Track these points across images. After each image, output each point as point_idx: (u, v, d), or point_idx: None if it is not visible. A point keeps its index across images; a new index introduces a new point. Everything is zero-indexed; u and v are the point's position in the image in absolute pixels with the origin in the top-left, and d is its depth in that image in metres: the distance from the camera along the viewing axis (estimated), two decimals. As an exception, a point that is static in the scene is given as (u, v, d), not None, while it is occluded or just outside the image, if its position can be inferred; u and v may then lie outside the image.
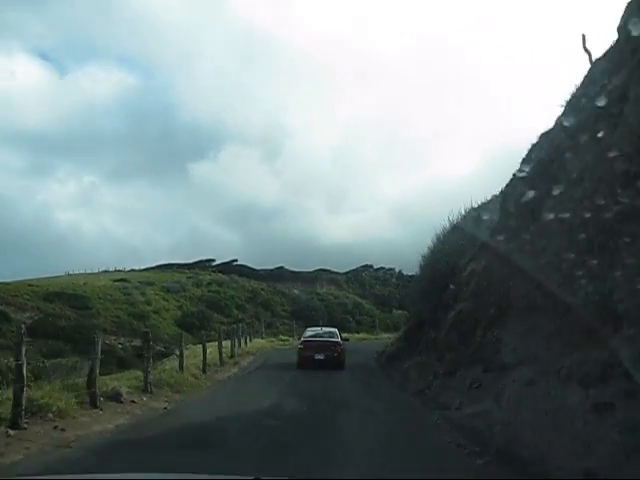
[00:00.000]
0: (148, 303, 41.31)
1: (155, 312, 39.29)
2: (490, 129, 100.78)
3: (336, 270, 62.72)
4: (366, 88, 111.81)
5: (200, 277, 53.28)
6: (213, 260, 60.52)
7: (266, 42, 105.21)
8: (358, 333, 41.57)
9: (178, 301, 45.13)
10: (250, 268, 59.10)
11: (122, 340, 35.08)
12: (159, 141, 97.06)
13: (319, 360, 23.70)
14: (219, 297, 48.31)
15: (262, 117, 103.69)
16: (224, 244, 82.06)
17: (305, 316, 45.76)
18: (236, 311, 47.68)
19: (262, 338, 35.27)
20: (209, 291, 49.62)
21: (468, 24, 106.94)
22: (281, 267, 60.50)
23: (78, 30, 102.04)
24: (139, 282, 46.93)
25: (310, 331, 27.40)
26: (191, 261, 59.28)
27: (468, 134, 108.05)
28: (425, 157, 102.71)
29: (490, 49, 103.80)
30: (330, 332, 26.91)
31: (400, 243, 78.92)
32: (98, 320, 36.13)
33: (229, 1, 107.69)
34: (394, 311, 56.41)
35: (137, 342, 29.39)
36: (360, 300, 57.31)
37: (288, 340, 35.66)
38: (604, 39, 10.29)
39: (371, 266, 66.21)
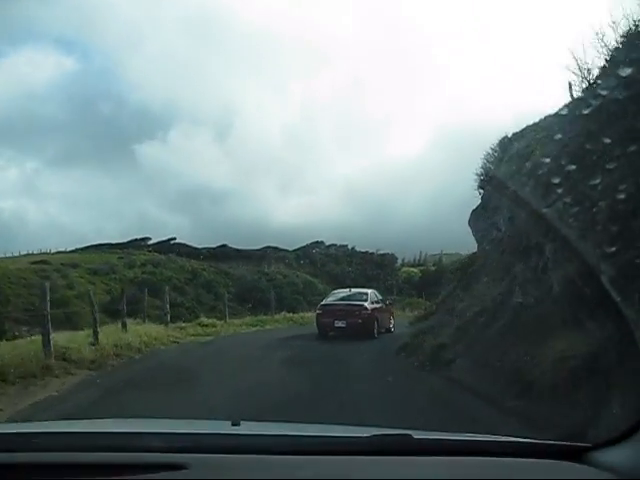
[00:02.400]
0: (70, 287, 35.83)
1: (77, 297, 33.84)
2: (442, 112, 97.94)
3: (285, 247, 57.74)
4: (321, 68, 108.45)
5: (134, 257, 47.92)
6: (149, 239, 55.12)
7: (218, 19, 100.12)
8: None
9: (107, 284, 39.79)
10: (190, 247, 54.02)
11: (37, 330, 29.86)
12: (104, 124, 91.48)
13: (340, 328, 21.21)
14: (155, 279, 43.04)
15: (214, 96, 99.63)
16: (170, 226, 77.30)
17: (252, 297, 41.49)
18: (174, 294, 42.48)
19: (165, 325, 24.03)
20: (143, 272, 44.38)
21: (430, 8, 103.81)
22: (224, 245, 55.43)
23: (11, 11, 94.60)
24: (62, 264, 41.39)
25: (334, 294, 24.27)
26: (124, 240, 53.67)
27: (421, 117, 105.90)
28: (378, 138, 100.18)
29: (449, 34, 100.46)
30: (360, 294, 23.48)
31: (352, 221, 75.93)
32: (7, 308, 30.74)
33: None
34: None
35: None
36: (312, 279, 52.57)
37: (215, 328, 26.08)
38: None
39: (322, 242, 61.92)
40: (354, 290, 24.37)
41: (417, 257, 67.55)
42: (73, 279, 38.10)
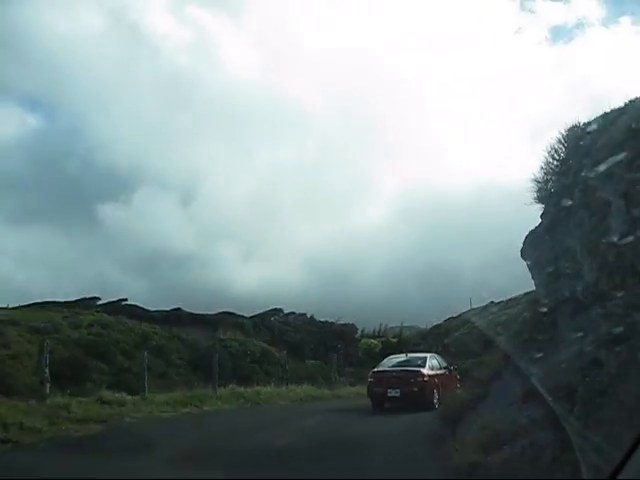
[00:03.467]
0: (5, 346, 32.83)
1: (13, 357, 30.88)
2: (405, 184, 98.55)
3: (242, 314, 55.41)
4: (288, 136, 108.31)
5: (80, 317, 44.90)
6: (98, 298, 52.11)
7: (188, 85, 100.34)
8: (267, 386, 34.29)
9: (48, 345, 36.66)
10: (142, 308, 51.18)
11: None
12: (67, 183, 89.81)
13: (393, 398, 19.67)
14: (102, 341, 40.21)
15: (180, 160, 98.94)
16: (126, 288, 74.48)
17: (205, 365, 38.65)
18: (122, 358, 39.67)
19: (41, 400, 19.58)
20: (89, 334, 41.42)
21: (390, 79, 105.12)
22: (179, 309, 52.79)
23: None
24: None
25: (389, 360, 22.44)
26: (72, 299, 50.56)
27: (383, 188, 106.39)
28: (341, 208, 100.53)
29: (415, 107, 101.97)
30: (417, 358, 21.68)
31: (312, 290, 74.79)
32: None
33: (149, 42, 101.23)
34: (307, 361, 50.80)
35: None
36: (269, 347, 50.26)
37: (122, 407, 20.68)
38: None
39: (281, 310, 59.88)
40: (411, 355, 22.54)
41: (377, 328, 66.52)
42: (10, 337, 35.04)
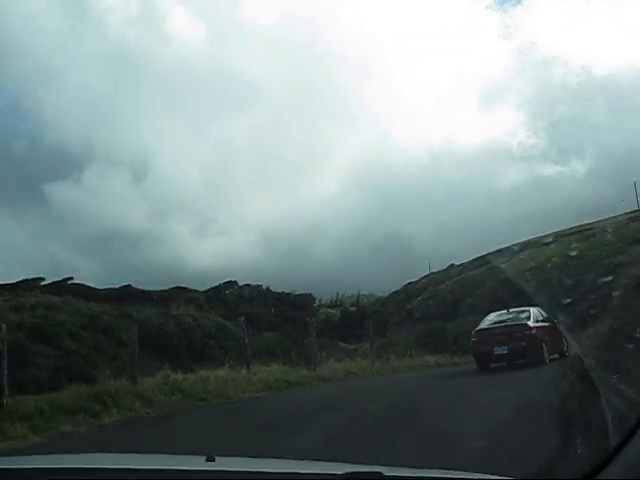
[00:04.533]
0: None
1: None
2: (359, 155, 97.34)
3: (195, 288, 53.37)
4: (240, 109, 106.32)
5: (22, 299, 42.31)
6: (42, 279, 49.43)
7: (136, 58, 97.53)
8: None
9: (-12, 330, 34.23)
10: (89, 287, 48.71)
11: None
12: (12, 164, 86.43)
13: (501, 356, 18.57)
14: (46, 324, 37.74)
15: (131, 137, 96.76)
16: (78, 269, 71.75)
17: (158, 344, 36.57)
18: (69, 341, 37.31)
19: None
20: (33, 316, 38.88)
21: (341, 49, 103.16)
22: (129, 286, 50.45)
23: None
24: None
25: (489, 317, 21.19)
26: (13, 281, 47.82)
27: (337, 159, 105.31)
28: (295, 180, 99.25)
29: (369, 77, 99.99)
30: (520, 312, 20.45)
31: (268, 262, 73.94)
32: None
33: (94, 15, 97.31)
34: (265, 334, 48.54)
35: None
36: (225, 322, 48.27)
37: None
38: None
39: (235, 282, 57.84)
40: (513, 310, 21.19)
41: (334, 298, 65.59)
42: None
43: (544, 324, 19.89)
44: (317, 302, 62.29)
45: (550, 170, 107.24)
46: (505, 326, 19.60)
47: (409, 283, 60.84)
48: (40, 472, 2.42)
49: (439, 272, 60.32)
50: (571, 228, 53.59)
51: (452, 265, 60.01)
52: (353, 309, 59.86)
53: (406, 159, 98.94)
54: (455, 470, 2.58)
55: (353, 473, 2.26)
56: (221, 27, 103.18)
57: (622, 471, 2.11)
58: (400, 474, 2.40)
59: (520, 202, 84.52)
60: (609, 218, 51.92)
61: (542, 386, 12.14)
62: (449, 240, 76.69)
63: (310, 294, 59.53)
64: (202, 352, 35.37)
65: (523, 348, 18.54)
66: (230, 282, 58.21)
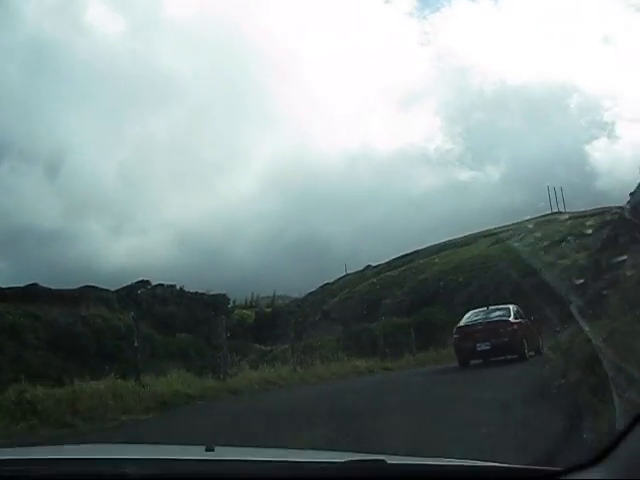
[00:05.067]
0: None
1: None
2: (276, 157, 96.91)
3: (106, 287, 51.53)
4: (161, 107, 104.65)
5: None
6: (-62, 278, 46.71)
7: (55, 52, 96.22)
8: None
9: None
10: (-10, 286, 46.23)
11: None
12: None
13: (484, 351, 18.78)
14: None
15: (45, 133, 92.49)
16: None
17: (66, 346, 35.66)
18: (-33, 342, 35.44)
19: None
20: None
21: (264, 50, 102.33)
22: (34, 284, 48.18)
23: None
24: None
25: (470, 315, 21.25)
26: None
27: (255, 161, 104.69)
28: (213, 180, 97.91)
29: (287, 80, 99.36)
30: (500, 309, 20.81)
31: (182, 263, 72.40)
32: None
33: (9, 5, 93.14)
34: (177, 334, 48.12)
35: None
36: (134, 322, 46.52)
37: None
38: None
39: (148, 282, 56.19)
40: (492, 307, 21.36)
41: (249, 299, 64.76)
42: None
43: (523, 321, 20.29)
44: (232, 303, 61.15)
45: (466, 175, 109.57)
46: (487, 322, 19.73)
47: (326, 284, 60.51)
48: (38, 463, 2.41)
49: (356, 273, 60.19)
50: (488, 230, 54.21)
51: (369, 266, 59.96)
52: (268, 310, 59.29)
53: (325, 162, 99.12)
54: (459, 459, 2.54)
55: (356, 461, 2.25)
56: (141, 22, 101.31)
57: (627, 456, 2.13)
58: (402, 462, 2.41)
59: (437, 205, 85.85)
60: (523, 221, 52.97)
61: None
62: (366, 242, 77.05)
63: (224, 294, 58.36)
64: (113, 355, 33.80)
65: (505, 344, 18.77)
66: (143, 281, 56.45)
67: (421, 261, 52.10)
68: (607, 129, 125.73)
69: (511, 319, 19.86)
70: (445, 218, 74.83)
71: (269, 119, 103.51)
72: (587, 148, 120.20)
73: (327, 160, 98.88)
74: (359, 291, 51.82)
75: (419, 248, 56.70)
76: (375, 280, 52.89)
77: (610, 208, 48.40)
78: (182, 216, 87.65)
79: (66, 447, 3.88)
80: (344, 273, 62.13)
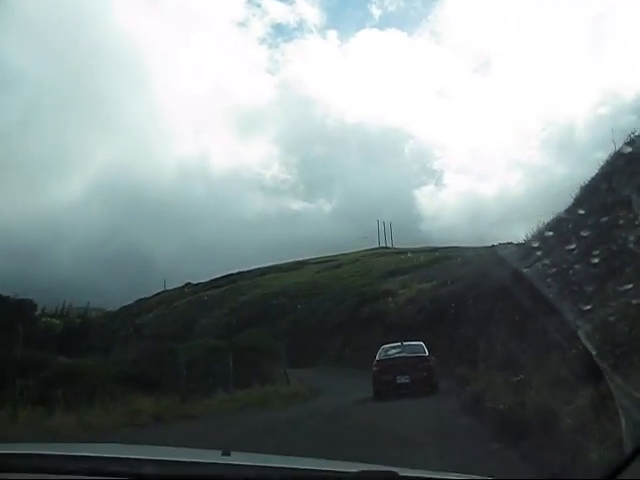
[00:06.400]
0: None
1: None
2: (103, 167, 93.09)
3: None
4: None
5: None
6: None
7: None
8: None
9: None
10: None
11: None
12: None
13: (403, 384, 19.94)
14: None
15: None
16: None
17: None
18: None
19: None
20: None
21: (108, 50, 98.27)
22: None
23: None
24: None
25: (386, 348, 22.33)
26: None
27: (86, 163, 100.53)
28: (39, 182, 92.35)
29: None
30: (414, 346, 21.97)
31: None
32: None
33: None
34: None
35: None
36: None
37: None
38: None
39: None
40: (406, 343, 22.36)
41: (60, 308, 60.51)
42: None
43: (432, 358, 21.77)
44: (40, 310, 56.68)
45: (298, 205, 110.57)
46: (407, 357, 20.94)
47: (142, 299, 57.46)
48: (57, 459, 2.41)
49: (174, 290, 57.53)
50: (316, 258, 53.64)
51: (189, 284, 57.62)
52: (78, 320, 55.44)
53: (159, 175, 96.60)
54: (472, 474, 2.57)
55: (369, 472, 2.29)
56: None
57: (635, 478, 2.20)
58: (414, 475, 2.42)
59: (267, 231, 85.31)
60: (353, 252, 53.05)
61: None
62: (191, 260, 74.86)
63: (31, 300, 53.91)
64: None
65: (424, 378, 20.09)
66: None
67: (244, 282, 50.27)
68: (435, 177, 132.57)
69: (427, 355, 21.16)
70: (274, 244, 74.38)
71: (106, 124, 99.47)
72: (416, 192, 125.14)
73: (161, 173, 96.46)
74: (175, 309, 49.05)
75: (244, 270, 55.03)
76: (192, 298, 50.40)
77: (437, 248, 49.40)
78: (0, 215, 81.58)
79: (83, 445, 3.72)
80: (162, 289, 59.27)
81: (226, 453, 2.55)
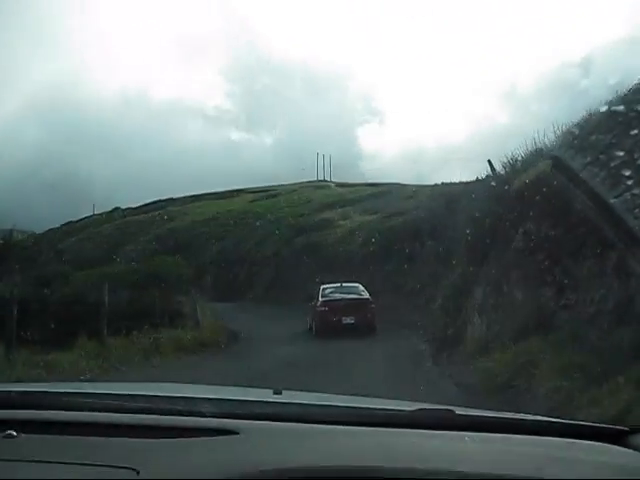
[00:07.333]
0: None
1: None
2: (46, 84, 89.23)
3: None
4: None
5: None
6: None
7: None
8: None
9: None
10: None
11: None
12: None
13: (349, 325, 20.91)
14: None
15: None
16: None
17: None
18: None
19: None
20: None
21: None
22: None
23: None
24: None
25: (327, 288, 22.90)
26: None
27: (19, 79, 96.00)
28: None
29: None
30: (354, 287, 23.05)
31: None
32: None
33: None
34: None
35: None
36: None
37: None
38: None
39: None
40: (345, 284, 23.17)
41: None
42: None
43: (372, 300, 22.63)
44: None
45: (239, 136, 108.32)
46: (352, 299, 21.74)
47: (69, 222, 54.90)
48: (113, 397, 2.33)
49: (102, 214, 55.15)
50: (252, 188, 52.02)
51: (117, 208, 55.29)
52: (1, 242, 52.91)
53: (99, 98, 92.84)
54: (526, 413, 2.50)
55: (425, 410, 2.26)
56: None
57: None
58: (471, 413, 2.39)
59: (206, 160, 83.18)
60: (290, 184, 51.66)
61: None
62: (125, 185, 72.50)
63: (-55, 218, 51.14)
64: None
65: (367, 319, 21.02)
66: None
67: (174, 209, 48.21)
68: (379, 116, 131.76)
69: (369, 297, 22.11)
70: (212, 174, 72.57)
71: (45, 40, 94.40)
72: (358, 130, 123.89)
73: (102, 97, 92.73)
74: (101, 233, 46.78)
75: (177, 196, 52.96)
76: (119, 223, 48.16)
77: (377, 184, 48.05)
78: None
79: (137, 384, 3.70)
80: (91, 213, 56.88)
81: (277, 392, 2.51)
